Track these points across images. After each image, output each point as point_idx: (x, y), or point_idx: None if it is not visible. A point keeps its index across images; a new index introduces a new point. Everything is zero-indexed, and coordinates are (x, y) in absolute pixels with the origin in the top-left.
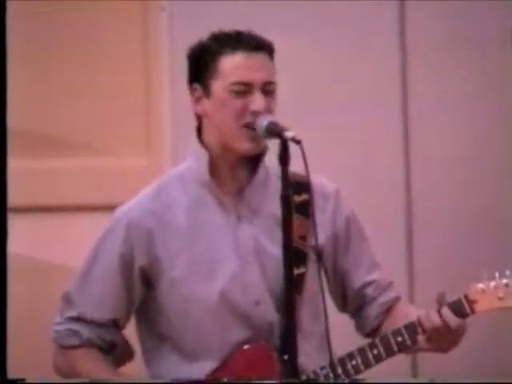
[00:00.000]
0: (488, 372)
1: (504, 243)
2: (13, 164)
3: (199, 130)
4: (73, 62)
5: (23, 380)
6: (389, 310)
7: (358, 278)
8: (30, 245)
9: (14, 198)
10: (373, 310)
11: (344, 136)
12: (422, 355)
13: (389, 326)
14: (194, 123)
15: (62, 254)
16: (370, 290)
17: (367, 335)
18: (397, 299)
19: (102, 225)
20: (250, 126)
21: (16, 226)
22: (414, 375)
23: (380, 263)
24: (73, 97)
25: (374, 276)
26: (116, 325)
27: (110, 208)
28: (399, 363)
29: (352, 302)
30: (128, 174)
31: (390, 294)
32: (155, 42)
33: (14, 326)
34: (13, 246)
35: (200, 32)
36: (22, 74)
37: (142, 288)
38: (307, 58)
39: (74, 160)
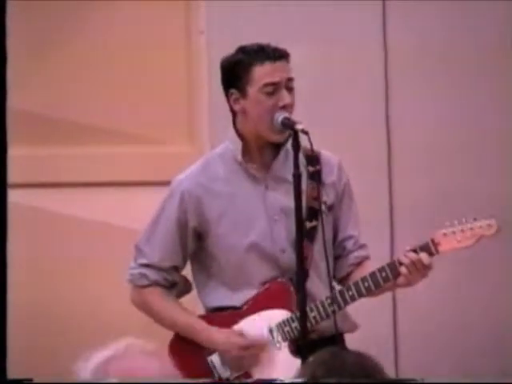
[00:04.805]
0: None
1: None
2: (82, 150)
3: (234, 122)
4: (124, 64)
5: (30, 380)
6: (360, 263)
7: (344, 228)
8: (104, 214)
9: (84, 176)
10: (348, 261)
11: (335, 126)
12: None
13: (357, 276)
14: (225, 119)
15: (123, 220)
16: (349, 244)
17: (339, 281)
18: (367, 258)
19: (156, 197)
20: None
21: (92, 199)
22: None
23: (360, 226)
24: (129, 95)
25: (355, 232)
26: (176, 269)
27: (161, 184)
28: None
29: (335, 249)
30: (174, 158)
31: (363, 252)
32: (195, 51)
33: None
34: (91, 214)
35: (230, 44)
36: (78, 67)
37: (194, 242)
38: (307, 63)
39: (132, 146)
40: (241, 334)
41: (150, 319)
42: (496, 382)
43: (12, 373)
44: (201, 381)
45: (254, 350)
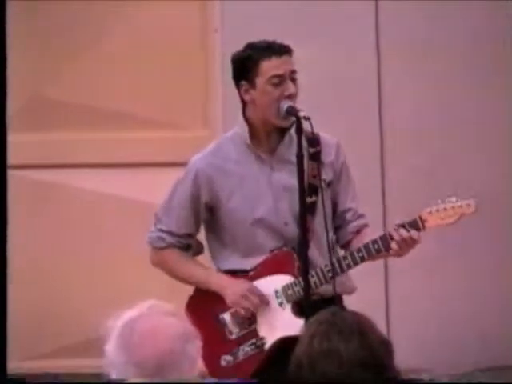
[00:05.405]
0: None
1: None
2: (104, 135)
3: (244, 109)
4: (146, 58)
5: (23, 380)
6: (359, 231)
7: (343, 202)
8: (125, 191)
9: (109, 158)
10: (348, 229)
11: (332, 117)
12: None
13: (357, 243)
14: (236, 107)
15: (146, 194)
16: (349, 215)
17: (341, 247)
18: (365, 225)
19: (174, 176)
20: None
21: (113, 178)
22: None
23: (358, 198)
24: (152, 88)
25: (354, 205)
26: (189, 235)
27: (179, 165)
28: None
29: (336, 220)
30: (190, 141)
31: (362, 221)
32: (210, 47)
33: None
34: (113, 190)
35: (241, 40)
36: (106, 61)
37: (207, 214)
38: (307, 59)
39: (153, 131)
40: (250, 285)
41: None
42: (495, 382)
43: (12, 372)
44: (203, 381)
45: (255, 300)
